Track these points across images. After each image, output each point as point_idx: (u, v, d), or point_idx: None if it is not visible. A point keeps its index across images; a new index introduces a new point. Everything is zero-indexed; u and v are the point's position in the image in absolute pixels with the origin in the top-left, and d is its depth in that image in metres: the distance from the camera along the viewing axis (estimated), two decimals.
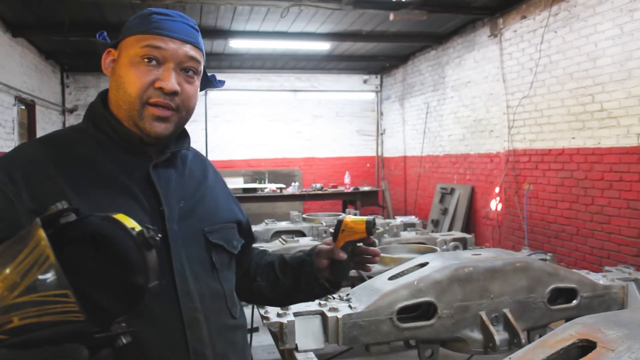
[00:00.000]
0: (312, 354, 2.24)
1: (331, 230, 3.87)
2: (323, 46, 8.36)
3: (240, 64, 9.90)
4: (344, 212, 6.44)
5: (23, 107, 7.65)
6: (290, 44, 8.16)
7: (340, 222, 1.21)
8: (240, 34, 7.52)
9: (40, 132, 8.13)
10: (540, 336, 2.24)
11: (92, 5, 6.15)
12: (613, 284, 2.67)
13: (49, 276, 0.68)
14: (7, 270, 0.69)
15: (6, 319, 0.68)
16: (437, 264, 2.46)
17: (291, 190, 8.67)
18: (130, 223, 0.79)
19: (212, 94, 9.62)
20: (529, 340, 2.43)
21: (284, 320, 2.21)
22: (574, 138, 5.43)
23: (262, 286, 1.31)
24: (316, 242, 3.77)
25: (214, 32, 7.35)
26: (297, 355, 2.22)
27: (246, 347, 1.19)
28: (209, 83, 1.18)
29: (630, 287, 2.74)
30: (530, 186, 6.12)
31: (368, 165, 11.05)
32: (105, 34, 1.11)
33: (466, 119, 7.68)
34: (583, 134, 5.29)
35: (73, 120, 9.76)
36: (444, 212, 7.95)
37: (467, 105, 7.62)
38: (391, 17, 6.27)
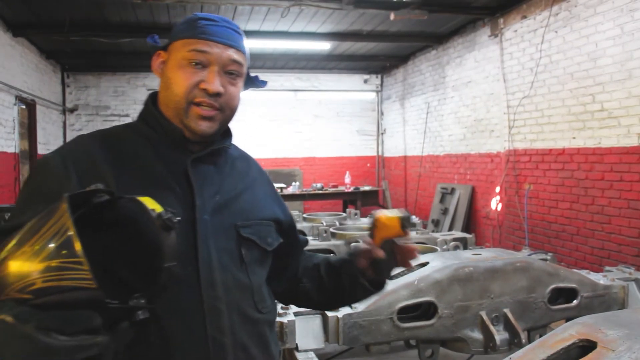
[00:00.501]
0: (312, 354, 2.24)
1: (327, 226, 3.88)
2: (323, 46, 8.35)
3: None
4: (344, 212, 6.42)
5: (24, 107, 7.65)
6: (290, 44, 8.15)
7: (373, 219, 1.21)
8: None
9: (40, 132, 8.13)
10: (540, 336, 2.24)
11: (93, 5, 6.15)
12: (613, 284, 2.67)
13: (67, 245, 0.76)
14: (35, 238, 0.78)
15: (31, 281, 0.76)
16: (438, 264, 2.46)
17: (291, 190, 8.67)
18: (152, 205, 0.85)
19: None
20: (529, 340, 2.43)
21: (285, 319, 2.21)
22: (574, 138, 5.42)
23: (308, 288, 1.32)
24: (316, 242, 3.77)
25: None
26: (298, 354, 2.22)
27: (271, 342, 1.19)
28: (252, 83, 1.24)
29: (631, 287, 2.74)
30: (531, 186, 6.12)
31: (368, 165, 11.05)
32: (156, 37, 1.17)
33: (467, 118, 7.68)
34: (583, 134, 5.29)
35: (73, 119, 9.76)
36: (445, 212, 7.95)
37: (468, 105, 7.62)
38: (392, 17, 6.26)
